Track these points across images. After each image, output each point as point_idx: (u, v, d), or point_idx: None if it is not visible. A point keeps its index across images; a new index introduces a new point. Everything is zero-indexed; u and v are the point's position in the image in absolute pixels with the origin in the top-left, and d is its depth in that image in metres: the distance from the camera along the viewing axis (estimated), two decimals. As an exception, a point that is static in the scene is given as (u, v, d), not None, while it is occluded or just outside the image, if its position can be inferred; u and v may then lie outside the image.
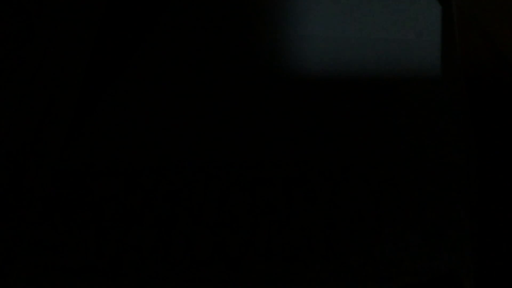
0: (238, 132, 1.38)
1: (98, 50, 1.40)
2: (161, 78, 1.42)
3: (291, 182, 1.34)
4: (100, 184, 1.32)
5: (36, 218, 1.28)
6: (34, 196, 1.13)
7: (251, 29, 1.48)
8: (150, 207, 1.31)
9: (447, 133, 1.40)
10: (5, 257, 1.05)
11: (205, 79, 1.43)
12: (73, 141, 1.35)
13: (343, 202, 1.33)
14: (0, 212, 1.00)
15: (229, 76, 1.43)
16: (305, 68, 1.45)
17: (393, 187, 1.36)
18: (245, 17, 1.49)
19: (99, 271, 1.27)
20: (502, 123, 1.19)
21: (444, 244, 1.34)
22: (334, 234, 1.31)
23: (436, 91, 1.44)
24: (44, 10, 1.12)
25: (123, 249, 1.28)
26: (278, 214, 1.32)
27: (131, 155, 1.35)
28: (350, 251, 1.31)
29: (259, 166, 1.35)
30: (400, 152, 1.38)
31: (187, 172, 1.34)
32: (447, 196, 1.37)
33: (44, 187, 1.26)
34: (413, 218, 1.34)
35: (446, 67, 1.46)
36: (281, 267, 1.29)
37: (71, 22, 1.20)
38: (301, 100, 1.42)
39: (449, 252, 1.33)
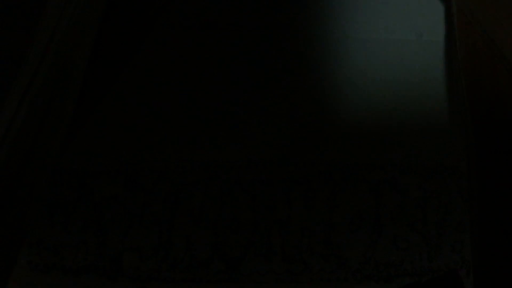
0: (238, 132, 1.38)
1: (98, 50, 1.40)
2: (161, 79, 1.42)
3: (291, 182, 1.34)
4: (100, 184, 1.32)
5: (36, 218, 1.28)
6: (34, 196, 1.13)
7: (251, 28, 1.48)
8: (150, 207, 1.31)
9: (447, 133, 1.40)
10: (5, 257, 1.05)
11: (205, 80, 1.42)
12: (73, 141, 1.35)
13: (342, 202, 1.33)
14: (0, 212, 1.00)
15: (228, 76, 1.43)
16: (304, 68, 1.45)
17: (393, 187, 1.36)
18: (245, 17, 1.49)
19: (99, 271, 1.27)
20: (501, 123, 1.19)
21: (444, 244, 1.34)
22: (334, 234, 1.31)
23: (436, 91, 1.44)
24: (44, 10, 1.12)
25: (123, 249, 1.28)
26: (278, 214, 1.32)
27: (131, 155, 1.35)
28: (350, 251, 1.31)
29: (259, 166, 1.35)
30: (400, 152, 1.38)
31: (187, 172, 1.34)
32: (447, 196, 1.37)
33: (44, 187, 1.26)
34: (413, 218, 1.34)
35: (446, 67, 1.46)
36: (281, 267, 1.29)
37: (71, 22, 1.20)
38: (301, 101, 1.42)
39: (449, 252, 1.34)
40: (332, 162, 1.36)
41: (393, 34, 1.49)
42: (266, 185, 1.34)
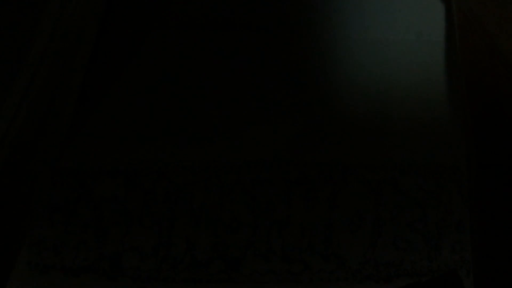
0: (238, 132, 1.38)
1: (98, 50, 1.40)
2: (161, 79, 1.42)
3: (291, 182, 1.34)
4: (100, 184, 1.32)
5: (36, 218, 1.28)
6: (34, 196, 1.13)
7: (250, 29, 1.48)
8: (150, 207, 1.31)
9: (447, 133, 1.40)
10: (5, 257, 1.05)
11: (206, 80, 1.43)
12: (73, 141, 1.35)
13: (342, 202, 1.33)
14: (0, 212, 1.00)
15: (228, 77, 1.43)
16: (304, 68, 1.45)
17: (393, 187, 1.36)
18: (244, 17, 1.49)
19: (99, 271, 1.27)
20: (501, 123, 1.20)
21: (444, 244, 1.34)
22: (334, 234, 1.31)
23: (436, 91, 1.44)
24: (44, 10, 1.12)
25: (123, 249, 1.28)
26: (278, 214, 1.32)
27: (131, 155, 1.35)
28: (350, 251, 1.31)
29: (259, 166, 1.35)
30: (400, 152, 1.38)
31: (187, 172, 1.34)
32: (447, 196, 1.37)
33: (44, 187, 1.26)
34: (413, 218, 1.34)
35: (446, 67, 1.46)
36: (281, 267, 1.29)
37: (71, 22, 1.20)
38: (301, 101, 1.42)
39: (449, 252, 1.34)
40: (332, 162, 1.36)
41: (393, 34, 1.49)
42: (266, 185, 1.34)
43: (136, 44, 1.44)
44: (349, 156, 1.37)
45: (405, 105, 1.43)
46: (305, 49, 1.47)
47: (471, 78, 1.28)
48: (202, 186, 1.33)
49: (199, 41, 1.46)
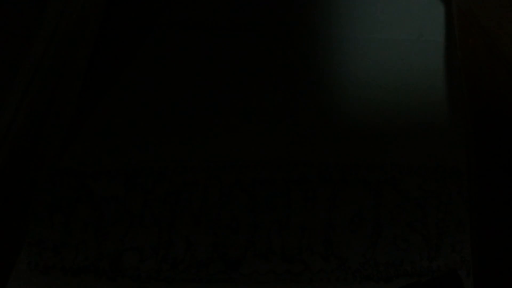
0: (238, 132, 1.38)
1: (98, 50, 1.40)
2: (161, 79, 1.42)
3: (291, 182, 1.34)
4: (100, 184, 1.32)
5: (36, 218, 1.28)
6: (34, 196, 1.13)
7: (250, 29, 1.48)
8: (150, 207, 1.31)
9: (447, 133, 1.40)
10: (5, 257, 1.05)
11: (205, 80, 1.43)
12: (73, 141, 1.35)
13: (342, 202, 1.33)
14: (0, 212, 1.00)
15: (229, 77, 1.43)
16: (304, 68, 1.45)
17: (393, 187, 1.36)
18: (244, 17, 1.49)
19: (99, 271, 1.27)
20: (501, 123, 1.20)
21: (444, 244, 1.34)
22: (334, 234, 1.31)
23: (436, 91, 1.44)
24: (44, 10, 1.12)
25: (123, 249, 1.28)
26: (278, 214, 1.32)
27: (131, 155, 1.35)
28: (350, 251, 1.31)
29: (259, 167, 1.35)
30: (400, 152, 1.38)
31: (187, 172, 1.34)
32: (447, 196, 1.37)
33: (44, 187, 1.26)
34: (413, 218, 1.34)
35: (446, 67, 1.46)
36: (281, 267, 1.29)
37: (71, 22, 1.20)
38: (301, 101, 1.42)
39: (449, 252, 1.34)
40: (332, 162, 1.36)
41: (393, 34, 1.49)
42: (266, 185, 1.34)
43: (136, 44, 1.44)
44: (349, 156, 1.37)
45: (405, 105, 1.42)
46: (305, 49, 1.47)
47: (471, 78, 1.28)
48: (202, 186, 1.33)
49: (199, 41, 1.45)
